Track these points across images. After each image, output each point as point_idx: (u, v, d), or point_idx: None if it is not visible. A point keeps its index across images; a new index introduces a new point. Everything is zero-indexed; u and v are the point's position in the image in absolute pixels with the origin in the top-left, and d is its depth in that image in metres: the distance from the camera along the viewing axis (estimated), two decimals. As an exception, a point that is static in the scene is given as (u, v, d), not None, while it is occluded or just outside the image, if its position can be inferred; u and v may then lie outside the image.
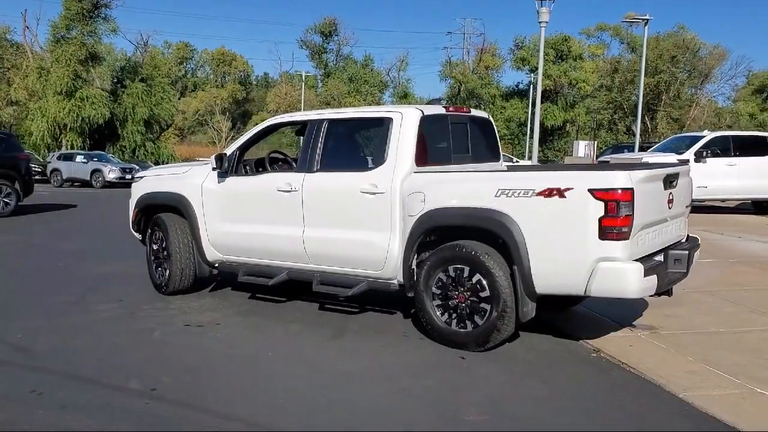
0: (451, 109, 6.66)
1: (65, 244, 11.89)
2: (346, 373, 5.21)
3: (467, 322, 5.70)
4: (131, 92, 44.35)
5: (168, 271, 7.48)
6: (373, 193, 6.10)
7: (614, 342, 6.05)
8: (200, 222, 7.30)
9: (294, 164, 7.64)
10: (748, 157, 17.69)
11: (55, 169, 32.71)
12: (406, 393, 4.83)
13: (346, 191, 6.30)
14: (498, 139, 7.40)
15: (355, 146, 7.07)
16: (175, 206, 7.50)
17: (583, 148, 33.15)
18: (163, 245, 7.58)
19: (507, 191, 5.43)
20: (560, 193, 5.21)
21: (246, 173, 7.28)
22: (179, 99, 67.75)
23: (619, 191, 5.06)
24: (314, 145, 6.60)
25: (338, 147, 6.75)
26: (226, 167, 7.04)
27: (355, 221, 6.26)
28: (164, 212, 7.68)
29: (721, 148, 18.06)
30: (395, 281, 6.21)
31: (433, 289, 5.85)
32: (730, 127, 53.48)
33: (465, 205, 5.64)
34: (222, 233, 7.17)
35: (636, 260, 5.23)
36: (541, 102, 50.73)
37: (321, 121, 6.66)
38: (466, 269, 5.66)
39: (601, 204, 5.08)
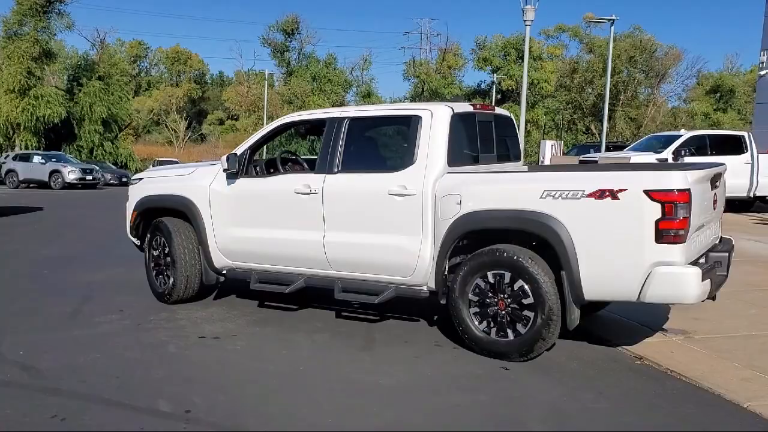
0: (478, 107, 6.37)
1: (44, 249, 11.26)
2: (389, 389, 4.88)
3: (508, 330, 5.42)
4: (88, 91, 43.05)
5: (172, 279, 7.04)
6: (403, 195, 5.78)
7: (653, 348, 5.84)
8: (207, 226, 6.88)
9: (304, 165, 7.29)
10: (724, 156, 17.85)
11: (11, 170, 31.55)
12: (461, 409, 4.53)
13: (371, 193, 5.97)
14: (518, 139, 7.14)
15: (379, 146, 6.74)
16: (179, 210, 7.06)
17: (549, 148, 33.24)
18: (166, 251, 7.13)
19: (554, 192, 5.16)
20: (613, 194, 4.97)
21: (256, 174, 6.88)
22: (133, 98, 66.28)
23: (676, 192, 4.84)
24: (334, 145, 6.25)
25: (361, 146, 6.40)
26: (237, 168, 6.63)
27: (381, 225, 5.93)
28: (166, 216, 7.23)
29: (698, 147, 18.22)
30: (425, 287, 5.91)
31: (470, 296, 5.55)
32: (684, 127, 54.59)
33: (508, 208, 5.35)
34: (232, 238, 6.76)
35: (690, 264, 5.02)
36: (504, 102, 51.23)
37: (342, 119, 6.30)
38: (507, 275, 5.38)
39: (658, 206, 4.85)
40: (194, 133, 75.92)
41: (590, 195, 5.04)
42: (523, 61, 52.14)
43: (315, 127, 7.17)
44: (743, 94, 63.23)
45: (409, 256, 5.81)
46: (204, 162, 7.91)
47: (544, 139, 44.72)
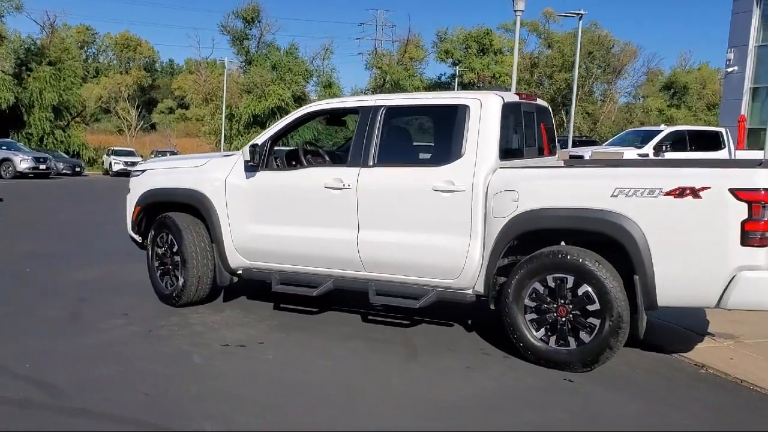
0: (523, 96, 5.95)
1: (19, 245, 10.43)
2: (452, 406, 4.43)
3: (569, 338, 5.03)
4: (38, 76, 41.21)
5: (182, 280, 6.45)
6: (450, 191, 5.34)
7: (710, 354, 5.54)
8: (223, 223, 6.32)
9: (326, 158, 6.78)
10: (704, 152, 17.91)
11: (-43, 158, 29.95)
12: (543, 429, 4.11)
13: (413, 189, 5.51)
14: (554, 132, 6.75)
15: (419, 137, 6.24)
16: (190, 205, 6.47)
17: (517, 141, 33.07)
18: (174, 249, 6.54)
19: (627, 190, 4.78)
20: (694, 192, 4.61)
21: (278, 167, 6.34)
22: (81, 85, 64.13)
23: (762, 191, 4.51)
24: (369, 136, 5.76)
25: (399, 138, 5.94)
26: (259, 161, 6.08)
27: (424, 223, 5.48)
28: (174, 211, 6.63)
29: (677, 142, 18.22)
30: (470, 291, 5.48)
31: (526, 301, 5.15)
32: (642, 123, 55.42)
33: (574, 206, 4.95)
34: (251, 236, 6.21)
35: (771, 268, 4.70)
36: (465, 94, 51.09)
37: (378, 108, 5.81)
38: (570, 279, 4.99)
39: (744, 205, 4.51)
40: (145, 122, 73.90)
41: (669, 193, 4.67)
42: (484, 54, 52.47)
43: (345, 117, 6.66)
44: (695, 91, 64.60)
45: (456, 257, 5.37)
46: (214, 153, 7.31)
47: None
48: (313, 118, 6.43)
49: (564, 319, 5.03)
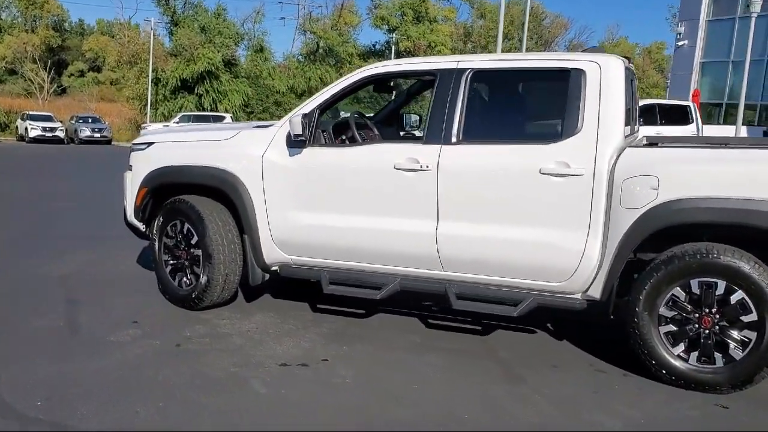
0: (629, 60, 5.02)
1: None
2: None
3: (715, 354, 4.19)
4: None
5: (204, 278, 5.29)
6: (564, 175, 4.38)
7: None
8: (258, 210, 5.18)
9: (374, 131, 5.71)
10: (674, 126, 17.63)
11: None
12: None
13: (514, 172, 4.52)
14: (637, 105, 5.86)
15: (517, 108, 5.21)
16: (215, 187, 5.29)
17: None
18: (192, 241, 5.37)
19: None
20: None
21: (326, 143, 5.23)
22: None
23: None
24: (452, 106, 4.72)
25: (491, 109, 4.94)
26: (308, 134, 4.96)
27: (527, 213, 4.52)
28: (190, 194, 5.44)
29: (648, 116, 17.83)
30: (579, 296, 4.57)
31: (662, 310, 4.27)
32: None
33: (741, 197, 4.04)
34: (295, 226, 5.11)
35: None
36: (400, 63, 49.89)
37: (462, 71, 4.77)
38: (721, 284, 4.13)
39: None
40: (55, 85, 69.49)
41: None
42: (419, 22, 51.29)
43: (427, 82, 5.58)
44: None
45: (569, 255, 4.44)
46: (242, 124, 6.08)
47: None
48: (373, 82, 5.30)
49: (708, 331, 4.19)
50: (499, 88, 5.03)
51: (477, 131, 4.74)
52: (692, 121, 18.03)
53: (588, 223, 4.40)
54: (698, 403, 4.09)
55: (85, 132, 35.69)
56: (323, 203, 5.03)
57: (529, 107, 5.28)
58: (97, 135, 35.91)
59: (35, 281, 6.26)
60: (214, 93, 43.10)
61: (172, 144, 5.60)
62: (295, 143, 5.05)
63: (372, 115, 6.67)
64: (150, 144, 5.65)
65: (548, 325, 5.44)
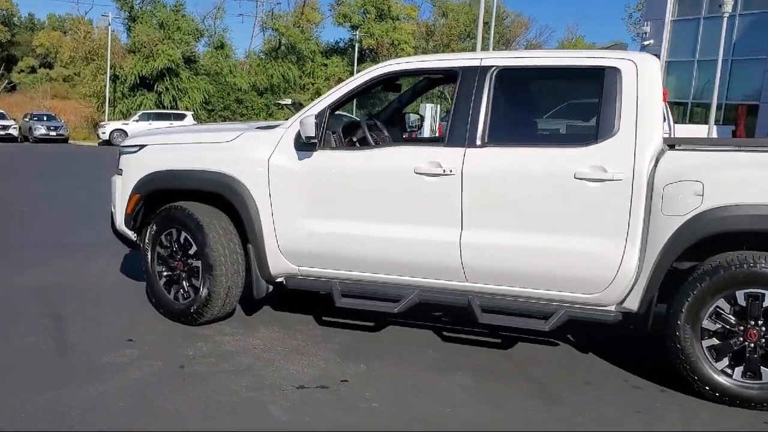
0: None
1: None
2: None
3: (761, 369, 3.97)
4: None
5: (205, 291, 4.90)
6: (600, 180, 4.12)
7: None
8: (264, 217, 4.81)
9: (384, 132, 5.38)
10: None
11: None
12: None
13: (546, 176, 4.24)
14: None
15: (547, 108, 4.93)
16: (217, 193, 4.90)
17: (430, 111, 32.15)
18: (190, 251, 4.98)
19: None
20: None
21: (337, 146, 4.88)
22: None
23: None
24: (476, 105, 4.43)
25: (519, 109, 4.63)
26: (321, 136, 4.61)
27: (559, 221, 4.24)
28: (188, 201, 5.04)
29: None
30: (613, 308, 4.31)
31: (704, 322, 4.04)
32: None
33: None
34: (306, 235, 4.75)
35: None
36: (364, 62, 49.54)
37: (486, 69, 4.47)
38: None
39: None
40: (5, 82, 67.38)
41: None
42: (382, 20, 50.91)
43: (435, 79, 5.28)
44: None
45: (605, 265, 4.18)
46: (243, 125, 5.69)
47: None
48: (388, 80, 4.95)
49: (754, 345, 3.96)
50: (527, 88, 4.75)
51: (504, 133, 4.46)
52: (665, 120, 18.04)
53: (626, 231, 4.14)
54: (747, 422, 3.87)
55: (41, 130, 34.49)
56: (336, 210, 4.69)
57: (559, 108, 5.01)
58: (53, 133, 34.73)
59: (12, 294, 5.78)
60: (174, 90, 42.20)
61: (167, 146, 5.18)
62: (305, 146, 4.70)
63: (373, 115, 6.33)
64: (142, 146, 5.22)
65: (569, 336, 5.17)
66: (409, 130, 6.20)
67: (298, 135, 4.72)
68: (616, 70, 4.23)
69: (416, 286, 4.64)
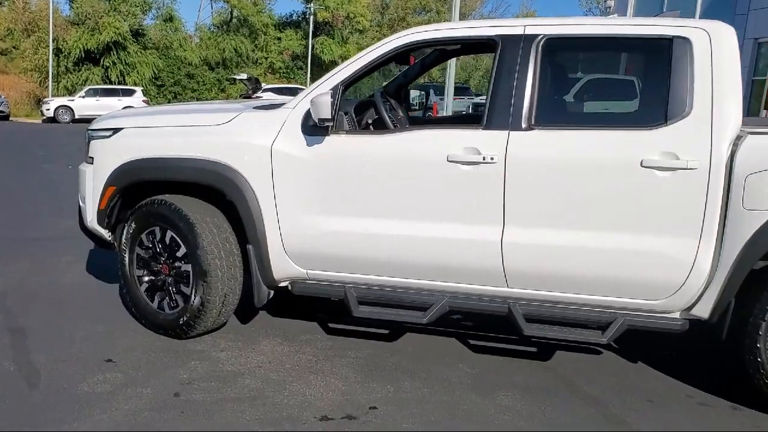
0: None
1: None
2: None
3: None
4: None
5: (197, 300, 4.18)
6: (671, 169, 3.53)
7: None
8: (266, 213, 4.10)
9: (400, 113, 4.71)
10: (619, 101, 17.27)
11: None
12: None
13: (607, 165, 3.64)
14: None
15: (604, 85, 4.29)
16: (210, 185, 4.16)
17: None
18: (178, 253, 4.25)
19: None
20: None
21: (351, 129, 4.19)
22: None
23: None
24: (521, 82, 3.78)
25: (571, 86, 4.00)
26: (332, 118, 3.89)
27: (622, 216, 3.65)
28: (174, 194, 4.30)
29: (597, 91, 17.41)
30: (678, 315, 3.75)
31: (791, 332, 3.50)
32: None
33: None
34: (316, 234, 4.06)
35: None
36: (318, 35, 48.30)
37: (530, 38, 3.82)
38: None
39: None
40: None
41: None
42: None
43: (448, 51, 4.60)
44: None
45: (675, 266, 3.61)
46: (237, 103, 4.93)
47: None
48: (410, 51, 4.26)
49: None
50: (580, 61, 4.11)
51: (554, 114, 3.87)
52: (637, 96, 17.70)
53: (699, 228, 3.57)
54: None
55: None
56: (353, 204, 4.01)
57: (618, 84, 4.39)
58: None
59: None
60: (121, 65, 40.45)
61: (149, 130, 4.39)
62: (315, 129, 3.99)
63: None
64: (117, 130, 4.42)
65: (605, 339, 4.59)
66: (414, 108, 5.54)
67: (306, 117, 4.02)
68: (686, 41, 3.63)
69: (446, 292, 4.01)
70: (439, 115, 22.17)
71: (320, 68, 48.34)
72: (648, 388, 3.95)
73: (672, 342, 4.48)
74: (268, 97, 25.09)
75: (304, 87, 39.44)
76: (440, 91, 28.17)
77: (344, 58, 49.67)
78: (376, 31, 53.45)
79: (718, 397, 3.84)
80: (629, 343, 4.49)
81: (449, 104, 24.81)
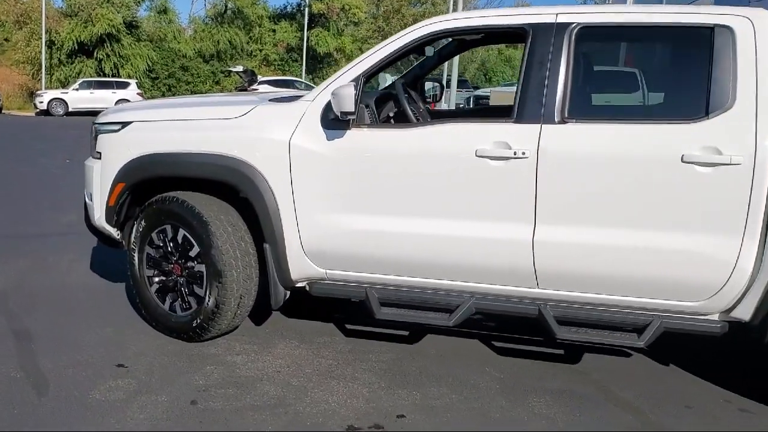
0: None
1: None
2: None
3: None
4: None
5: (212, 301, 4.00)
6: (714, 165, 3.36)
7: None
8: (284, 211, 3.91)
9: (421, 106, 4.52)
10: (619, 94, 17.12)
11: None
12: None
13: (645, 160, 3.46)
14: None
15: (642, 76, 4.10)
16: (225, 181, 3.97)
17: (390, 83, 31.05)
18: (191, 253, 4.06)
19: None
20: None
21: (372, 123, 4.00)
22: None
23: None
24: (553, 73, 3.60)
25: (607, 77, 3.82)
26: (355, 111, 3.70)
27: (662, 214, 3.48)
28: (183, 191, 4.11)
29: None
30: (717, 317, 3.59)
31: (838, 336, 3.34)
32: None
33: None
34: (337, 232, 3.88)
35: None
36: (313, 27, 47.94)
37: (563, 26, 3.64)
38: None
39: None
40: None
41: None
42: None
43: (469, 41, 4.42)
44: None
45: (716, 266, 3.44)
46: (251, 96, 4.73)
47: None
48: (436, 40, 4.07)
49: None
50: (616, 51, 3.93)
51: (589, 107, 3.70)
52: (639, 88, 17.55)
53: (743, 226, 3.40)
54: None
55: None
56: (375, 202, 3.82)
57: (656, 75, 4.21)
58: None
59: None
60: (115, 57, 40.00)
61: (160, 123, 4.19)
62: (335, 123, 3.80)
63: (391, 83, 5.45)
64: (126, 124, 4.22)
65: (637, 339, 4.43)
66: (429, 100, 5.37)
67: (326, 109, 3.83)
68: (728, 30, 3.45)
69: (472, 293, 3.84)
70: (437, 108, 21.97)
71: (315, 60, 48.10)
72: (684, 392, 3.80)
73: (705, 344, 4.32)
74: (264, 89, 24.86)
75: (301, 79, 39.27)
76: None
77: (339, 51, 49.46)
78: (372, 23, 53.17)
79: (758, 402, 3.68)
80: (659, 345, 4.33)
81: (452, 96, 24.58)
